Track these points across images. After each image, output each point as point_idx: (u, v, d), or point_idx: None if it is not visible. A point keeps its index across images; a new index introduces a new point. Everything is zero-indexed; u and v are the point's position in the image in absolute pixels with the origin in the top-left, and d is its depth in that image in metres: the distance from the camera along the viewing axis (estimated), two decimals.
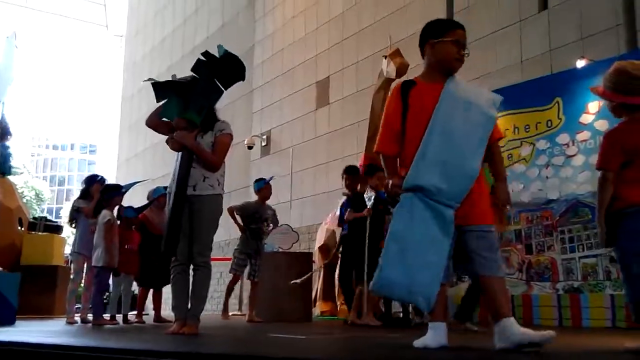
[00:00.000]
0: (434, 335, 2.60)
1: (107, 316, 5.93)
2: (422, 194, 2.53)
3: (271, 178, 7.08)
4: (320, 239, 8.72)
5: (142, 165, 18.30)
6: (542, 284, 6.03)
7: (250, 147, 12.92)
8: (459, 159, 2.58)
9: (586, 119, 5.83)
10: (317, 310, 7.73)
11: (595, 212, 2.77)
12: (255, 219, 6.62)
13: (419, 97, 2.71)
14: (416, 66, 6.59)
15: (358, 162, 7.71)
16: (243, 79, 3.96)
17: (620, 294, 5.23)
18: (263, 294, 6.70)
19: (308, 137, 11.69)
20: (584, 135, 5.83)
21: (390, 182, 2.66)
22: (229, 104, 13.49)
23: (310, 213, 10.52)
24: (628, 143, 2.61)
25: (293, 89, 12.35)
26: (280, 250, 7.79)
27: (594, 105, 5.73)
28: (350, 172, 6.25)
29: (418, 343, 2.62)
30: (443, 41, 2.74)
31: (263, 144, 13.04)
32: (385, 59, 7.37)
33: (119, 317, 6.04)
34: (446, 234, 2.52)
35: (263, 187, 6.72)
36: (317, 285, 7.89)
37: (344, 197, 6.25)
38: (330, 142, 10.89)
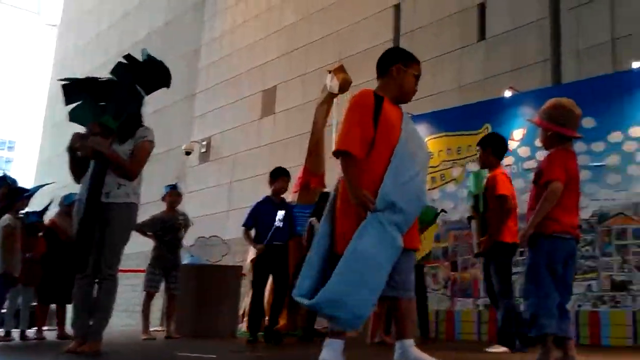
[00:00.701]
0: (332, 351, 2.79)
1: (1, 331, 5.84)
2: (384, 215, 2.70)
3: (175, 184, 7.16)
4: (253, 252, 9.01)
5: (66, 167, 18.26)
6: (464, 300, 6.85)
7: (188, 153, 13.24)
8: (419, 184, 2.89)
9: (511, 145, 6.69)
10: (244, 326, 7.99)
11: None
12: (167, 228, 6.60)
13: (388, 113, 2.89)
14: (361, 83, 7.35)
15: (297, 174, 8.34)
16: (168, 85, 3.98)
17: None
18: (187, 308, 6.78)
19: (251, 146, 12.23)
20: (508, 160, 6.69)
21: (364, 195, 2.72)
22: (169, 107, 13.86)
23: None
24: (570, 167, 3.16)
25: (238, 96, 12.88)
26: (208, 262, 7.78)
27: (518, 133, 6.64)
28: (278, 175, 6.08)
29: None
30: (409, 71, 3.02)
31: (202, 150, 13.40)
32: (330, 73, 8.09)
33: (16, 333, 5.92)
34: (391, 260, 2.76)
35: (167, 193, 6.80)
36: (246, 300, 8.21)
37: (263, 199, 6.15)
38: (274, 152, 11.50)
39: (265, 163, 11.47)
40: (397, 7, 9.70)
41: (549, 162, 3.22)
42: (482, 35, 8.15)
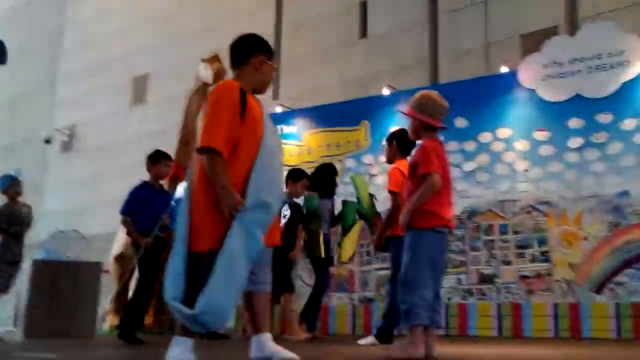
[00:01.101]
0: (181, 349, 2.69)
1: None
2: (250, 214, 2.62)
3: (13, 175, 6.64)
4: (117, 247, 8.61)
5: None
6: (340, 294, 6.91)
7: (48, 142, 12.49)
8: (278, 180, 2.84)
9: None
10: (106, 325, 7.51)
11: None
12: (11, 221, 6.34)
13: (252, 106, 2.78)
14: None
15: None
16: (3, 62, 3.67)
17: None
18: (41, 307, 6.38)
19: (119, 135, 11.59)
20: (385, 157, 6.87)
21: (233, 197, 2.61)
22: (27, 92, 12.82)
23: (117, 218, 10.41)
24: (442, 159, 3.23)
25: (106, 82, 12.16)
26: (68, 258, 7.46)
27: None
28: (159, 158, 5.70)
29: None
30: (270, 63, 2.91)
31: (65, 139, 12.65)
32: (203, 62, 7.81)
33: None
34: (253, 260, 2.68)
35: (9, 184, 6.43)
36: (110, 297, 7.82)
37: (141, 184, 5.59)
38: (144, 142, 10.94)
39: (135, 154, 10.91)
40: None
41: (423, 154, 3.27)
42: (363, 32, 8.29)
